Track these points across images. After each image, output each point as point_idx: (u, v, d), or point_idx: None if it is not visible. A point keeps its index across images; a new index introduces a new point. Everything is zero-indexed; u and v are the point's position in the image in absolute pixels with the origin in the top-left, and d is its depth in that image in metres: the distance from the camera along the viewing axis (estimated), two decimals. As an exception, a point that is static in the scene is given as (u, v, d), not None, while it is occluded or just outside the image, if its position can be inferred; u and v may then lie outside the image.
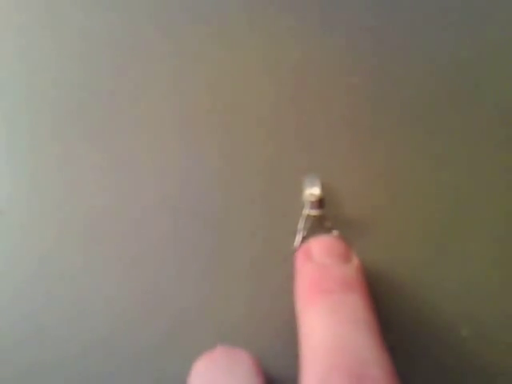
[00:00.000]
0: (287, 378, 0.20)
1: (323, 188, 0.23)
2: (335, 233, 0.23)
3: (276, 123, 0.25)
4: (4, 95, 0.26)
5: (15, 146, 0.25)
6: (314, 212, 0.22)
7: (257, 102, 0.26)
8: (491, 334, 0.22)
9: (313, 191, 0.23)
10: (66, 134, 0.25)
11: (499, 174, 0.25)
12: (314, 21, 0.27)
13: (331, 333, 0.17)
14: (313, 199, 0.22)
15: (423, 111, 0.25)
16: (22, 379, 0.21)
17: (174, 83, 0.26)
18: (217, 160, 0.25)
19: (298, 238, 0.23)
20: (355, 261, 0.20)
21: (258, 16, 0.27)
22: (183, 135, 0.25)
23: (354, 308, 0.18)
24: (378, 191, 0.24)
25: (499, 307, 0.22)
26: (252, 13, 0.27)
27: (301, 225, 0.23)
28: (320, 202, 0.22)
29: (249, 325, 0.22)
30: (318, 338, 0.18)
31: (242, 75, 0.26)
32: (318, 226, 0.23)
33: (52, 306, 0.22)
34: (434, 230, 0.24)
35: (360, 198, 0.24)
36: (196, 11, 0.27)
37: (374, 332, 0.18)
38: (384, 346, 0.18)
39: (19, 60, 0.27)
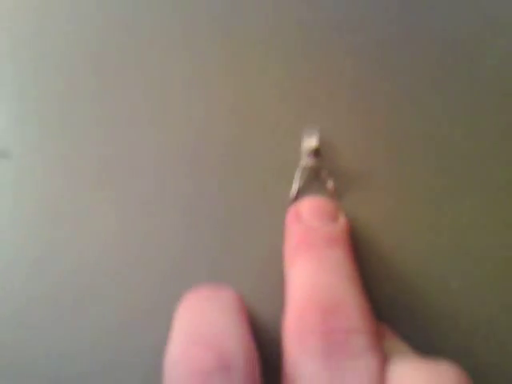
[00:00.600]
0: (270, 321, 0.21)
1: (321, 141, 0.23)
2: (330, 184, 0.23)
3: (278, 77, 0.25)
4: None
5: (23, 84, 0.25)
6: (310, 162, 0.23)
7: (259, 57, 0.26)
8: (480, 286, 0.22)
9: (310, 142, 0.23)
10: (77, 83, 0.25)
11: (502, 130, 0.24)
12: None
13: (311, 277, 0.19)
14: (309, 149, 0.23)
15: (426, 68, 0.25)
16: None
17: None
18: (218, 112, 0.25)
19: (294, 188, 0.23)
20: (342, 220, 0.22)
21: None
22: (189, 87, 0.25)
23: (337, 261, 0.19)
24: (376, 146, 0.24)
25: (489, 260, 0.23)
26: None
27: (297, 175, 0.23)
28: (316, 153, 0.23)
29: (240, 272, 0.23)
30: (299, 283, 0.19)
31: (245, 31, 0.26)
32: (314, 177, 0.23)
33: (55, 252, 0.23)
34: (430, 186, 0.24)
35: (358, 152, 0.24)
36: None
37: (353, 281, 0.19)
38: (360, 289, 0.18)
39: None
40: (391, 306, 0.22)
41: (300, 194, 0.23)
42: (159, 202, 0.24)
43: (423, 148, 0.24)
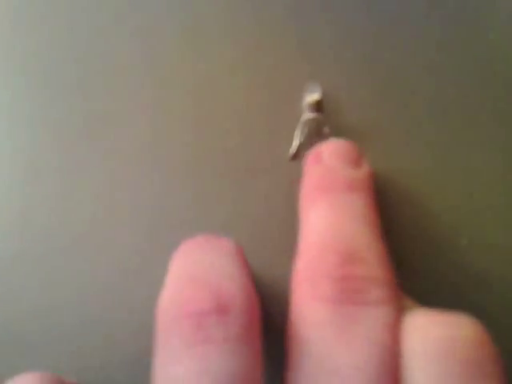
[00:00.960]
0: (269, 275, 0.20)
1: (324, 95, 0.22)
2: (327, 130, 0.22)
3: (279, 33, 0.25)
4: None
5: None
6: (312, 115, 0.22)
7: (261, 13, 0.25)
8: (490, 243, 0.21)
9: (312, 96, 0.22)
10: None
11: (505, 87, 0.24)
12: None
13: (329, 222, 0.17)
14: (311, 102, 0.22)
15: (429, 25, 0.24)
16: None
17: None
18: (220, 67, 0.24)
19: (295, 143, 0.22)
20: (366, 167, 0.20)
21: None
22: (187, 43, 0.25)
23: (356, 206, 0.18)
24: (379, 101, 0.23)
25: (499, 216, 0.22)
26: None
27: (298, 130, 0.22)
28: (318, 105, 0.22)
29: (241, 226, 0.22)
30: (315, 226, 0.17)
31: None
32: (316, 132, 0.22)
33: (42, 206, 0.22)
34: (435, 141, 0.23)
35: (361, 108, 0.23)
36: None
37: (371, 225, 0.17)
38: (380, 239, 0.17)
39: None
40: (401, 263, 0.21)
41: (301, 149, 0.22)
42: (156, 151, 0.23)
43: (426, 102, 0.23)
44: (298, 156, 0.22)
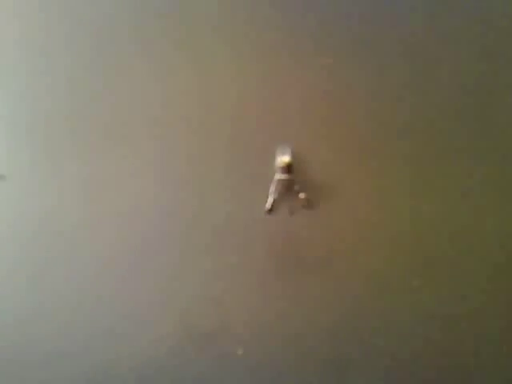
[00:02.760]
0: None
1: (293, 156, 0.26)
2: (302, 195, 0.25)
3: (254, 99, 0.28)
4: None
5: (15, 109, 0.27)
6: (284, 176, 0.25)
7: (236, 81, 0.28)
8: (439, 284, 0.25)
9: (283, 158, 0.25)
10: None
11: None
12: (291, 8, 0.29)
13: None
14: (282, 165, 0.25)
15: (387, 88, 0.28)
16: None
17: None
18: (201, 133, 0.27)
19: (270, 199, 0.25)
20: None
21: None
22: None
23: None
24: (343, 160, 0.27)
25: (446, 261, 0.25)
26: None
27: (272, 188, 0.26)
28: (289, 168, 0.25)
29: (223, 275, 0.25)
30: None
31: (223, 55, 0.28)
32: (287, 190, 0.26)
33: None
34: (389, 192, 0.26)
35: (327, 166, 0.27)
36: None
37: None
38: None
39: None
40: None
41: (275, 205, 0.26)
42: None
43: (386, 159, 0.27)
44: (272, 210, 0.26)
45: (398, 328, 0.25)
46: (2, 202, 0.26)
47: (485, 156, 0.27)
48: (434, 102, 0.27)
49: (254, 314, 0.25)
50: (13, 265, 0.25)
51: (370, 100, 0.27)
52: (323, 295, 0.26)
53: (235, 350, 0.24)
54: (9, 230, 0.26)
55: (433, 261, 0.25)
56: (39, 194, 0.26)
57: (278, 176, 0.26)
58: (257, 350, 0.24)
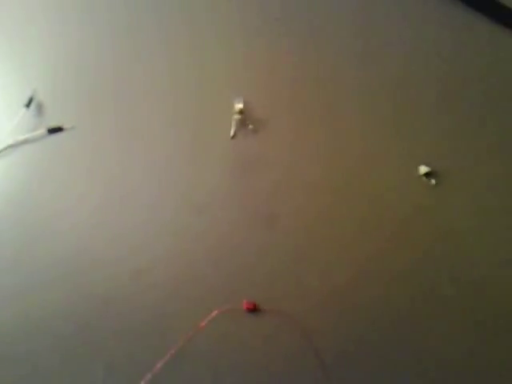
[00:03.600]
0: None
1: (245, 102, 0.42)
2: (251, 127, 0.42)
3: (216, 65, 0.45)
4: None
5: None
6: (238, 116, 0.42)
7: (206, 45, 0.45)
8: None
9: (238, 105, 0.42)
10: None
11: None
12: None
13: None
14: (237, 109, 0.42)
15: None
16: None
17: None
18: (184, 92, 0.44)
19: (232, 130, 0.42)
20: None
21: None
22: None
23: None
24: (281, 102, 0.43)
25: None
26: None
27: (233, 124, 0.42)
28: (241, 110, 0.42)
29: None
30: None
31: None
32: (242, 124, 0.42)
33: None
34: (319, 131, 0.43)
35: (271, 108, 0.43)
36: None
37: None
38: None
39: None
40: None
41: (236, 134, 0.42)
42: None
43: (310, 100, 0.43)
44: (234, 137, 0.42)
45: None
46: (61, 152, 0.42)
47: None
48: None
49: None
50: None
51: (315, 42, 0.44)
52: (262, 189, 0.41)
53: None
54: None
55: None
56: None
57: (236, 116, 0.42)
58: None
